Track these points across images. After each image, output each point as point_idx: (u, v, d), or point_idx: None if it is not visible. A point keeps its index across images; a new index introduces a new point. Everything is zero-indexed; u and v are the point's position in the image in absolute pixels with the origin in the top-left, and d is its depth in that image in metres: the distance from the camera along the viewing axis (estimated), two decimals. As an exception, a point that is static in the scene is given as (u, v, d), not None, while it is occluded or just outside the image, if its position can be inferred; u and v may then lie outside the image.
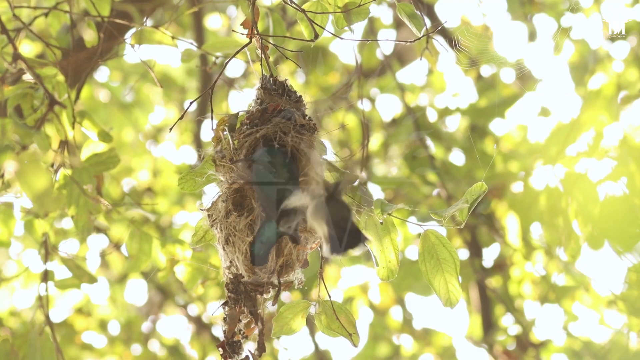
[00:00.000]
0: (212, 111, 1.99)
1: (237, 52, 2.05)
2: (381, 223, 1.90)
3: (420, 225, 1.90)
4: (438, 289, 1.89)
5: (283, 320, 1.95)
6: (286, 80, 2.00)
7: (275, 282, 1.89)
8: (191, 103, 2.09)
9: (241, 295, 1.89)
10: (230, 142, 1.92)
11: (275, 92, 1.98)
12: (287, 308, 1.96)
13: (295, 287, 1.95)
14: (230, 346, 1.89)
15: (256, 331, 1.91)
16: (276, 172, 1.84)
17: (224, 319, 1.90)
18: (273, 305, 1.92)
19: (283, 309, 1.96)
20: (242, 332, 1.90)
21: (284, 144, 1.90)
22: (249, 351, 1.90)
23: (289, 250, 1.89)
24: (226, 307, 1.91)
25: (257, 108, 1.96)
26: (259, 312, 1.91)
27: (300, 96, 1.99)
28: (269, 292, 1.92)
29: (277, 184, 1.84)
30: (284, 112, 1.93)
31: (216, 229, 1.93)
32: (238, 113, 1.98)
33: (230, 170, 1.90)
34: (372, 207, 1.91)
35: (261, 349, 1.89)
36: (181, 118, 2.07)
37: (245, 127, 1.94)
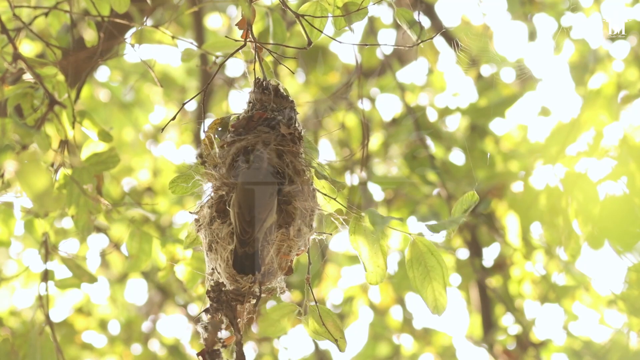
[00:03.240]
0: (204, 112, 2.00)
1: (232, 55, 2.05)
2: (373, 232, 1.90)
3: (409, 234, 1.91)
4: (425, 296, 1.90)
5: (269, 321, 1.96)
6: (279, 84, 1.99)
7: (257, 290, 1.90)
8: (184, 104, 2.10)
9: (222, 304, 1.89)
10: (216, 147, 1.92)
11: (267, 96, 1.98)
12: (274, 310, 1.97)
13: (278, 295, 1.95)
14: (210, 355, 1.89)
15: (234, 341, 1.92)
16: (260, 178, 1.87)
17: (205, 327, 1.90)
18: (253, 314, 1.93)
19: (270, 310, 1.97)
20: (222, 341, 1.91)
21: (262, 156, 1.91)
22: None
23: (270, 258, 1.89)
24: (207, 315, 1.91)
25: (243, 116, 1.96)
26: (238, 322, 1.91)
27: (292, 101, 1.99)
28: (249, 301, 1.92)
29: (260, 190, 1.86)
30: (268, 121, 1.93)
31: (201, 234, 1.93)
32: (230, 116, 1.99)
33: (214, 178, 1.91)
34: (362, 213, 1.91)
35: (240, 358, 1.89)
36: (173, 119, 2.08)
37: (229, 135, 1.94)
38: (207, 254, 1.92)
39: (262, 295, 1.91)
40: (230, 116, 1.98)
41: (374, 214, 1.86)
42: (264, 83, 1.99)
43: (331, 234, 1.97)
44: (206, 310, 1.91)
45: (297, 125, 1.95)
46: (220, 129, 1.97)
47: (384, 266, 1.92)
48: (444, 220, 1.87)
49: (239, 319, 1.90)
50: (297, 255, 1.94)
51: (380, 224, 1.85)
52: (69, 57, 2.40)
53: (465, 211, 1.82)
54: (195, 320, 1.92)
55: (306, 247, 1.95)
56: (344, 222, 1.94)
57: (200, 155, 1.94)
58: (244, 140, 1.91)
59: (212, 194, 1.93)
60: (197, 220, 1.94)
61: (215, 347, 1.89)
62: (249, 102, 1.99)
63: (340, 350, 1.95)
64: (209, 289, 1.91)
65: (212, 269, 1.92)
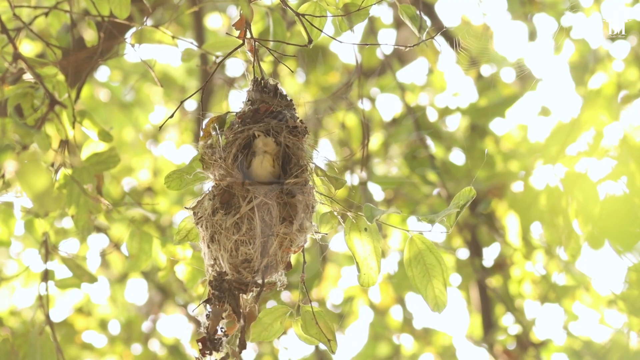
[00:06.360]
0: (201, 110, 2.00)
1: (230, 54, 2.06)
2: (365, 230, 1.90)
3: (407, 231, 1.91)
4: (425, 294, 1.90)
5: (262, 326, 1.95)
6: (277, 83, 2.00)
7: (259, 281, 1.90)
8: (182, 102, 2.10)
9: (225, 292, 1.90)
10: (219, 139, 1.92)
11: (266, 95, 1.99)
12: (265, 313, 1.96)
13: (277, 289, 1.95)
14: (212, 343, 1.90)
15: (238, 329, 1.93)
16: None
17: (207, 315, 1.91)
18: (255, 304, 1.93)
19: (262, 315, 1.96)
20: (223, 330, 1.91)
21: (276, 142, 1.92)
22: (230, 348, 1.91)
23: (274, 251, 1.90)
24: (208, 305, 1.92)
25: (249, 108, 1.97)
26: (241, 310, 1.91)
27: (291, 100, 2.00)
28: (252, 291, 1.93)
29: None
30: (275, 114, 1.95)
31: (201, 226, 1.94)
32: (228, 113, 1.99)
33: (219, 168, 1.91)
34: (358, 213, 1.91)
35: (242, 346, 1.90)
36: (171, 117, 2.08)
37: (236, 125, 1.95)
38: (208, 245, 1.92)
39: (264, 288, 1.91)
40: (227, 114, 1.99)
41: (372, 208, 1.86)
42: (262, 82, 2.00)
43: (326, 234, 1.97)
44: (207, 300, 1.91)
45: (301, 121, 1.96)
46: (217, 125, 1.97)
47: (376, 269, 1.91)
48: (439, 212, 1.87)
49: (241, 308, 1.91)
50: (295, 252, 1.95)
51: (376, 215, 1.84)
52: (69, 57, 2.40)
53: (462, 205, 1.82)
54: (197, 311, 1.93)
55: (304, 244, 1.95)
56: (341, 221, 1.93)
57: (210, 146, 1.93)
58: (254, 128, 1.92)
59: (214, 186, 1.93)
60: (195, 214, 1.95)
61: (217, 336, 1.90)
62: (248, 101, 2.00)
63: (331, 352, 1.95)
64: (211, 278, 1.91)
65: (214, 259, 1.93)
